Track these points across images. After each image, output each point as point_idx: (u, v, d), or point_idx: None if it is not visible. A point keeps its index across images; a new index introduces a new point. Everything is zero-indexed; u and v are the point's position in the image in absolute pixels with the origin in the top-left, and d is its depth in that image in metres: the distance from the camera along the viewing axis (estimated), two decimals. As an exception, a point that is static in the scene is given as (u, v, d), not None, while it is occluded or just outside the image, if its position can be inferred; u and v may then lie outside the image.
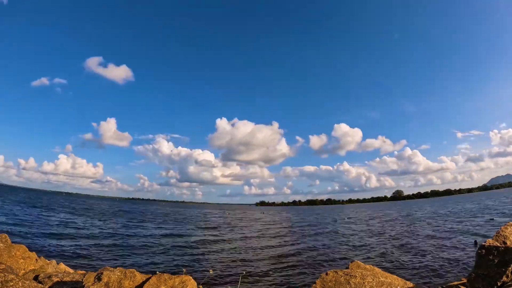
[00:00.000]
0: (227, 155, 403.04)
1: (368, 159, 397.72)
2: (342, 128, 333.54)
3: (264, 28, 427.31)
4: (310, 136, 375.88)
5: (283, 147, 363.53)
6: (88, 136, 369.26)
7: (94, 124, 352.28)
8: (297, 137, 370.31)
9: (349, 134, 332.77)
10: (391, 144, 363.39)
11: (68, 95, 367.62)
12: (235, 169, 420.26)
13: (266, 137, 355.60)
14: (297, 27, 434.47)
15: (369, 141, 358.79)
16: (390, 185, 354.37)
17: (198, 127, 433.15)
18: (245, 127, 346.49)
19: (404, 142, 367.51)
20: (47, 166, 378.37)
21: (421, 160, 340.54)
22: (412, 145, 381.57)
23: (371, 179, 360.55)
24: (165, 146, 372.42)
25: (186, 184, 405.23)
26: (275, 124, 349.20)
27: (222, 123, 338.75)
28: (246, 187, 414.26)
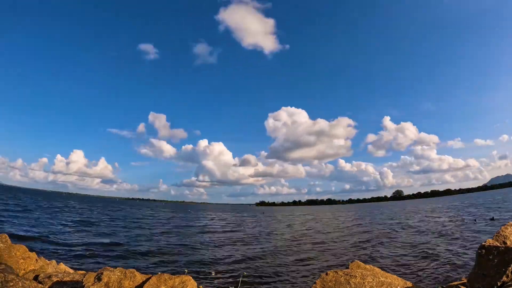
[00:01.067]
0: (275, 152, 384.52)
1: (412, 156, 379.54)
2: (389, 124, 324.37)
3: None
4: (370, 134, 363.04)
5: (341, 144, 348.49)
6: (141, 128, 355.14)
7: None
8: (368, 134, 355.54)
9: (400, 130, 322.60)
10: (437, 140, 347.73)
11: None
12: (272, 167, 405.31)
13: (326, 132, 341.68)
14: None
15: (423, 135, 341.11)
16: (407, 183, 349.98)
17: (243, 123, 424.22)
18: (303, 122, 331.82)
19: (458, 139, 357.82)
20: (59, 165, 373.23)
21: (445, 158, 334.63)
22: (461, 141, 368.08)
23: (388, 178, 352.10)
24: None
25: (205, 184, 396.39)
26: (344, 120, 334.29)
27: (275, 117, 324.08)
28: (259, 187, 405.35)
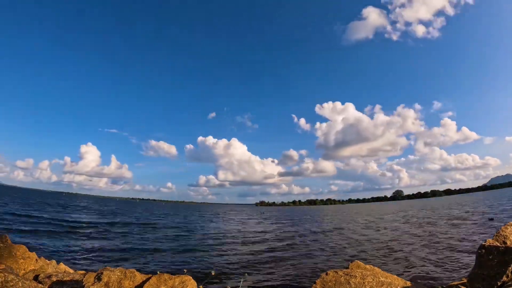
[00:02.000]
0: (321, 149, 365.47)
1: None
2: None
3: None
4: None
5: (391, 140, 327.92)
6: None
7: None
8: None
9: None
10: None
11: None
12: (307, 165, 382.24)
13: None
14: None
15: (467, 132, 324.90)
16: (421, 183, 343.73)
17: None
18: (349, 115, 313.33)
19: (494, 137, 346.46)
20: (70, 164, 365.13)
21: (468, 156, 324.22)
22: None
23: (403, 178, 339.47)
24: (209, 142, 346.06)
25: (224, 183, 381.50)
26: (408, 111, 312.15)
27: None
28: (271, 187, 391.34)
